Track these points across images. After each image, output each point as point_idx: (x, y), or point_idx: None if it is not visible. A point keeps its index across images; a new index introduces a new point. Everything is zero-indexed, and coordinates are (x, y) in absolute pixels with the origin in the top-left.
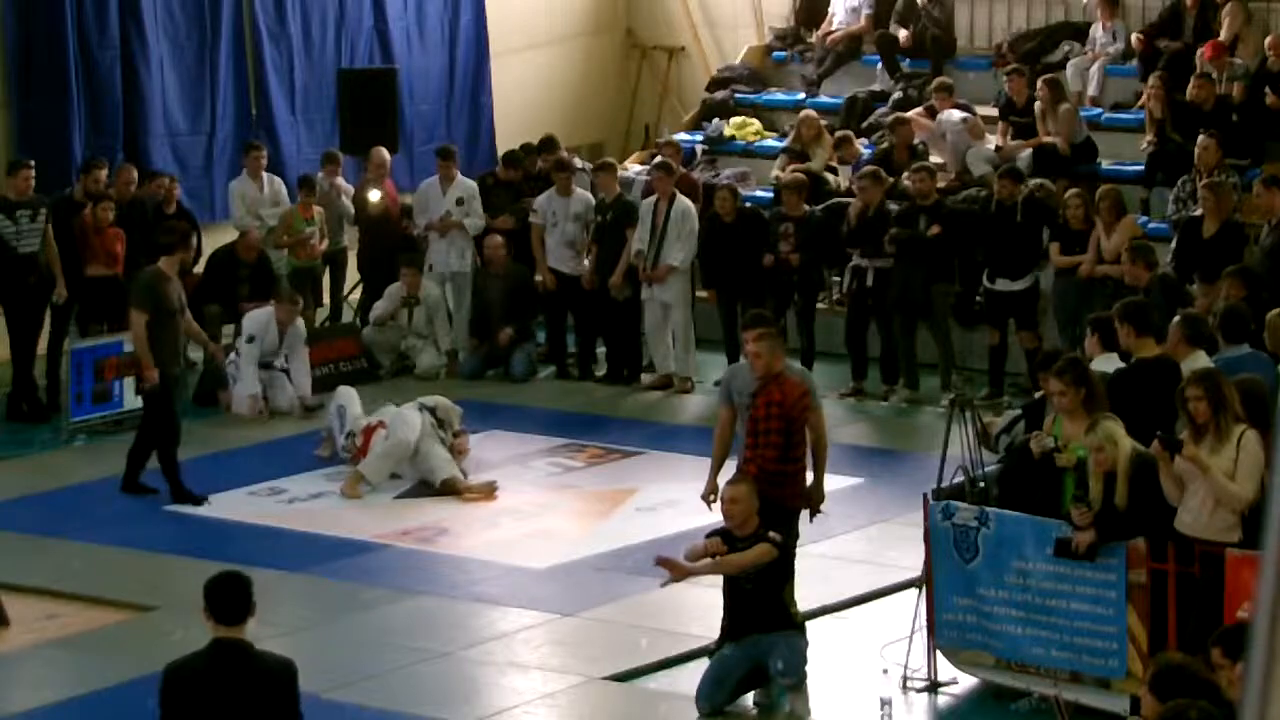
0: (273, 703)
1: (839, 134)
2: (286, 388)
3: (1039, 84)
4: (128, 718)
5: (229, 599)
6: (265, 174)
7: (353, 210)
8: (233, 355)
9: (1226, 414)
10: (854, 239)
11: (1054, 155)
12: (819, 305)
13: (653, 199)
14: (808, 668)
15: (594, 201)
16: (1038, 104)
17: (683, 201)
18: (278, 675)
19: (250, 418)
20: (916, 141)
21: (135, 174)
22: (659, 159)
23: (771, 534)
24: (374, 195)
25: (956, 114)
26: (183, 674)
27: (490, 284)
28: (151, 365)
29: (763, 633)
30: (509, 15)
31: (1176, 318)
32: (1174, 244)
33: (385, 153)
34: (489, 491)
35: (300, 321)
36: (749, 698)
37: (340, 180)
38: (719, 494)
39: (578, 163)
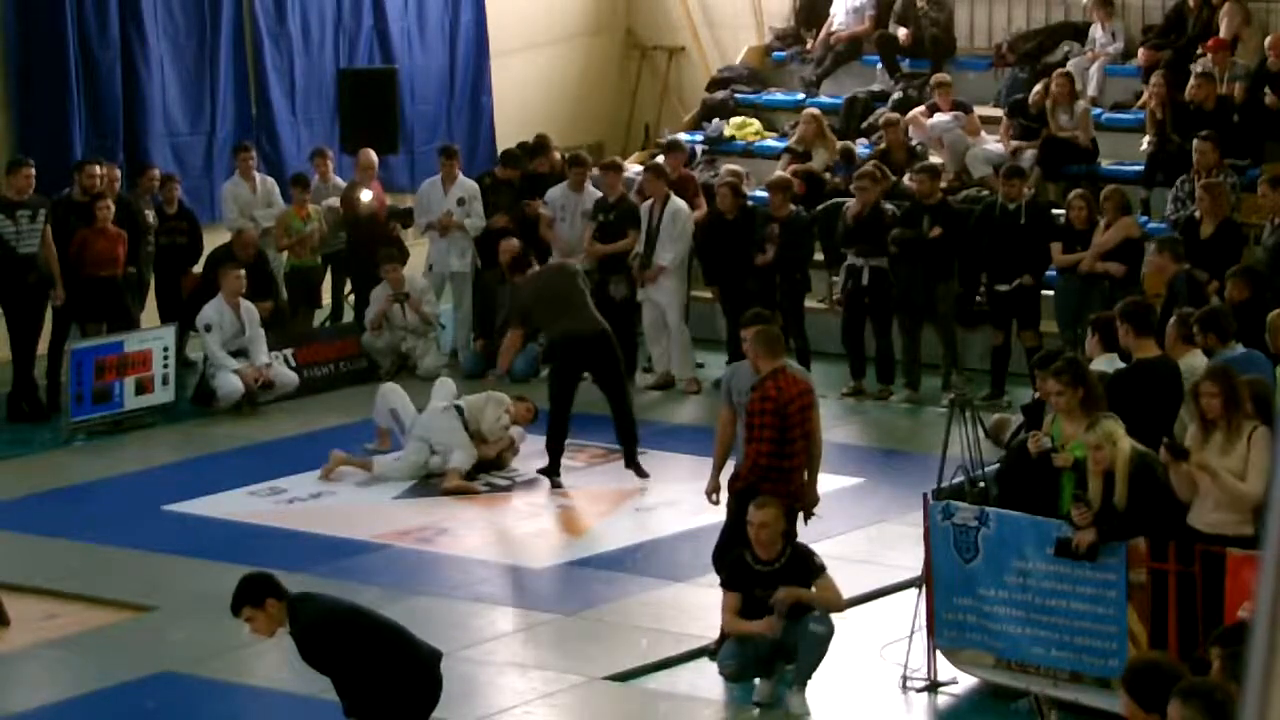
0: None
1: (841, 145)
2: (281, 375)
3: (1054, 76)
4: (128, 718)
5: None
6: (256, 174)
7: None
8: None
9: (1239, 411)
10: (850, 238)
11: (1071, 149)
12: (818, 304)
13: (649, 202)
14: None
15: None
16: (1049, 98)
17: (675, 202)
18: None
19: (254, 390)
20: (915, 143)
21: (118, 172)
22: (654, 160)
23: (818, 560)
24: (365, 195)
25: (948, 116)
26: None
27: (497, 284)
28: None
29: (790, 620)
30: (509, 15)
31: (1173, 318)
32: None
33: (373, 154)
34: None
35: (251, 306)
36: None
37: (335, 178)
38: (733, 507)
39: None
